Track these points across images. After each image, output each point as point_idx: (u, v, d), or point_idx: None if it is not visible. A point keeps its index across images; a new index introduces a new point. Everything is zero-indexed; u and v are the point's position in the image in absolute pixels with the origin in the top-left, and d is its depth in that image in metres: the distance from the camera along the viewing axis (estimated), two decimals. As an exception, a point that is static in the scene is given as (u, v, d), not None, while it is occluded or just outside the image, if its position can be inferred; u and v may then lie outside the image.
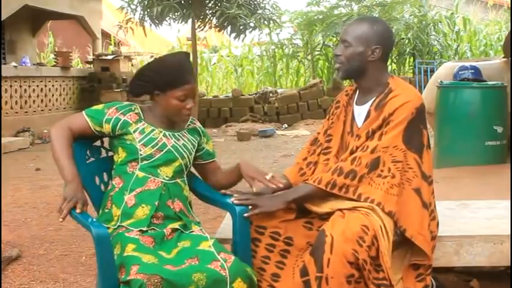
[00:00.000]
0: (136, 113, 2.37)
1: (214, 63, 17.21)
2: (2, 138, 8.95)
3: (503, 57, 6.33)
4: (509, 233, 2.44)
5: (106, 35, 17.70)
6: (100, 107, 2.40)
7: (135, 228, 2.24)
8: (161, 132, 2.35)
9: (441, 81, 5.67)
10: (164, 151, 2.32)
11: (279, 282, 2.31)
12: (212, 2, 11.76)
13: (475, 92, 5.42)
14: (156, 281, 1.96)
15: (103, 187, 2.45)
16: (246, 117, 12.28)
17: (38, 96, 11.41)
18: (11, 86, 10.61)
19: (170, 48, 18.32)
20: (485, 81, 5.54)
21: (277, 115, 12.46)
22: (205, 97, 13.24)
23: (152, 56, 18.01)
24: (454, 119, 5.43)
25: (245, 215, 2.30)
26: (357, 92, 2.45)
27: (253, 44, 16.64)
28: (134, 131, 2.32)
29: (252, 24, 11.61)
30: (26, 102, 11.04)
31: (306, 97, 12.53)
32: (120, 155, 2.35)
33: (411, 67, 14.78)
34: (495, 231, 2.50)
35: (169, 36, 29.00)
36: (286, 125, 12.02)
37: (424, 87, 8.49)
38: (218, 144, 9.28)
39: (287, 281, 2.29)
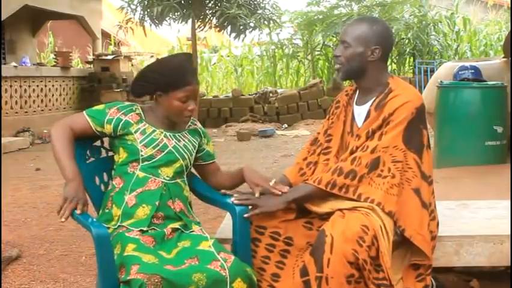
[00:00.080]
0: (137, 114, 2.37)
1: (214, 63, 17.22)
2: (2, 138, 8.95)
3: (503, 57, 6.33)
4: (509, 233, 2.44)
5: (106, 35, 17.70)
6: (101, 107, 2.39)
7: (135, 228, 2.24)
8: (162, 133, 2.35)
9: (441, 81, 5.67)
10: (165, 152, 2.32)
11: (279, 282, 2.31)
12: (212, 2, 11.76)
13: (475, 92, 5.42)
14: (156, 280, 1.96)
15: (103, 187, 2.45)
16: (246, 117, 12.28)
17: (38, 96, 11.41)
18: (11, 86, 10.61)
19: (170, 48, 18.32)
20: (485, 81, 5.54)
21: (277, 115, 12.46)
22: (205, 97, 13.24)
23: (152, 56, 18.04)
24: (454, 119, 5.43)
25: (245, 215, 2.30)
26: (357, 92, 2.45)
27: (253, 44, 16.65)
28: (135, 132, 2.32)
29: (252, 24, 11.61)
30: (26, 102, 11.04)
31: (306, 97, 12.53)
32: (121, 155, 2.35)
33: (411, 67, 14.79)
34: (495, 231, 2.50)
35: (169, 36, 29.01)
36: (286, 125, 12.02)
37: (424, 87, 8.49)
38: (218, 144, 9.28)
39: (287, 281, 2.29)
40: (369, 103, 2.36)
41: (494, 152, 5.36)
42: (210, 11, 11.72)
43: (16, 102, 10.76)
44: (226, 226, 2.57)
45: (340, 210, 2.23)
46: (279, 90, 13.28)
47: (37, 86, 11.40)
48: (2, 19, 10.37)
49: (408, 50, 14.70)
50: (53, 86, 11.91)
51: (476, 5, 18.04)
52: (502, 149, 5.42)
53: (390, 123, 2.26)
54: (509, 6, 14.57)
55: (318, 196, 2.31)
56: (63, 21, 14.84)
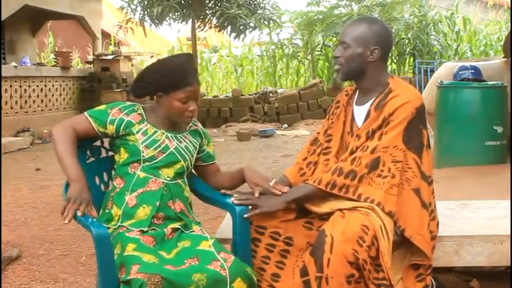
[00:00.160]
0: (139, 114, 2.36)
1: (214, 63, 17.22)
2: (2, 138, 8.95)
3: (503, 57, 6.33)
4: (509, 233, 2.44)
5: (106, 35, 17.70)
6: (102, 107, 2.38)
7: (136, 229, 2.24)
8: (163, 133, 2.35)
9: (441, 81, 5.67)
10: (166, 153, 2.32)
11: (279, 282, 2.31)
12: (212, 2, 11.77)
13: (475, 92, 5.42)
14: (157, 280, 1.96)
15: (103, 187, 2.45)
16: (246, 117, 12.28)
17: (38, 96, 11.41)
18: (11, 86, 10.61)
19: (170, 48, 18.32)
20: (485, 81, 5.54)
21: (277, 115, 12.46)
22: (205, 97, 13.24)
23: (152, 56, 18.05)
24: (454, 119, 5.43)
25: (245, 215, 2.30)
26: (357, 92, 2.45)
27: (253, 44, 16.65)
28: (137, 132, 2.31)
29: (252, 24, 11.62)
30: (26, 102, 11.05)
31: (306, 97, 12.53)
32: (122, 156, 2.34)
33: (411, 67, 14.79)
34: (495, 231, 2.50)
35: (169, 36, 29.02)
36: (286, 125, 12.02)
37: (424, 87, 8.49)
38: (218, 144, 9.28)
39: (287, 281, 2.29)
40: (369, 103, 2.36)
41: (494, 152, 5.36)
42: (210, 11, 11.73)
43: (16, 102, 10.76)
44: (226, 226, 2.57)
45: (340, 210, 2.23)
46: (279, 90, 13.27)
47: (37, 86, 11.40)
48: (2, 19, 10.38)
49: (408, 50, 14.70)
50: (53, 86, 11.91)
51: (476, 5, 18.04)
52: (502, 149, 5.42)
53: (390, 123, 2.26)
54: (509, 6, 14.57)
55: (318, 196, 2.31)
56: (63, 21, 14.84)
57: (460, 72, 5.68)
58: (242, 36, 11.83)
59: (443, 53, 14.59)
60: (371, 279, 2.13)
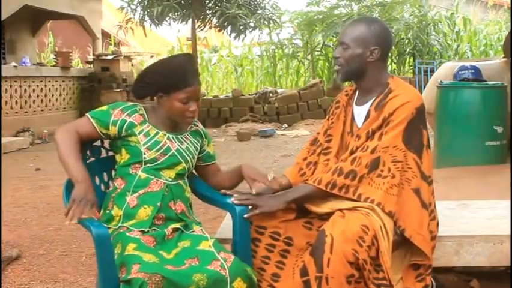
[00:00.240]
0: (140, 114, 2.35)
1: (214, 63, 17.23)
2: (2, 138, 8.95)
3: (503, 57, 6.33)
4: (509, 233, 2.44)
5: (106, 35, 17.70)
6: (104, 108, 2.36)
7: (137, 229, 2.23)
8: (165, 135, 2.34)
9: (441, 81, 5.67)
10: (168, 155, 2.31)
11: (279, 282, 2.31)
12: (212, 2, 11.78)
13: (475, 92, 5.42)
14: (157, 279, 1.96)
15: (103, 187, 2.45)
16: (246, 117, 12.28)
17: (38, 96, 11.41)
18: (11, 86, 10.61)
19: (170, 48, 18.33)
20: (485, 81, 5.54)
21: (277, 115, 12.46)
22: (205, 97, 13.25)
23: (152, 56, 18.06)
24: (454, 119, 5.43)
25: (245, 216, 2.30)
26: (357, 92, 2.45)
27: (253, 44, 16.66)
28: (139, 133, 2.31)
29: (252, 24, 11.63)
30: (26, 102, 11.05)
31: (306, 97, 12.53)
32: (123, 156, 2.34)
33: (411, 67, 14.79)
34: (495, 231, 2.50)
35: (169, 36, 29.00)
36: (286, 125, 12.02)
37: (424, 87, 8.49)
38: (218, 144, 9.28)
39: (287, 281, 2.29)
40: (369, 103, 2.36)
41: (494, 152, 5.36)
42: (210, 11, 11.74)
43: (16, 102, 10.76)
44: (226, 226, 2.57)
45: (340, 210, 2.23)
46: (279, 90, 13.27)
47: (37, 86, 11.40)
48: (2, 19, 10.38)
49: (408, 50, 14.70)
50: (53, 86, 11.91)
51: (476, 5, 18.04)
52: (502, 149, 5.42)
53: (390, 123, 2.26)
54: (509, 6, 14.57)
55: (318, 196, 2.31)
56: (63, 21, 14.85)
57: (460, 72, 5.68)
58: (242, 36, 11.84)
59: (443, 53, 14.59)
60: (371, 279, 2.13)
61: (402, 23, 13.76)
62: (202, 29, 12.37)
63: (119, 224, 2.25)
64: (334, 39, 14.12)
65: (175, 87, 2.28)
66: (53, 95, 11.90)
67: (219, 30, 12.12)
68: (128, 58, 14.17)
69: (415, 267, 2.30)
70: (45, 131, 10.56)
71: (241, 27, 11.39)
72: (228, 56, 17.24)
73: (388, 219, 2.19)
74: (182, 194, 2.35)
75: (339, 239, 2.08)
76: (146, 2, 11.43)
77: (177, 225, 2.29)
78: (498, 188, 4.21)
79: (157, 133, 2.33)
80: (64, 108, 12.32)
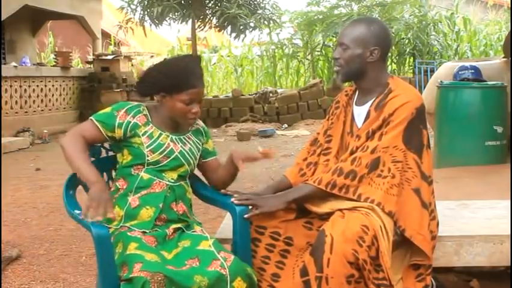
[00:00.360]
0: (144, 115, 2.33)
1: (214, 63, 17.23)
2: (2, 138, 8.95)
3: (503, 57, 6.33)
4: (509, 233, 2.44)
5: (106, 35, 17.70)
6: (108, 110, 2.34)
7: (138, 229, 2.23)
8: (168, 136, 2.33)
9: (441, 81, 5.67)
10: (171, 158, 2.30)
11: (279, 282, 2.31)
12: (212, 2, 11.78)
13: (475, 92, 5.42)
14: (160, 278, 1.96)
15: (103, 187, 2.44)
16: (246, 117, 12.28)
17: (38, 96, 11.41)
18: (11, 86, 10.61)
19: (170, 48, 18.34)
20: (485, 81, 5.54)
21: (277, 115, 12.45)
22: (205, 97, 13.24)
23: (152, 56, 18.06)
24: (454, 119, 5.43)
25: (245, 216, 2.30)
26: (357, 92, 2.45)
27: (253, 44, 16.66)
28: (142, 135, 2.29)
29: (252, 24, 11.64)
30: (26, 102, 11.05)
31: (306, 97, 12.52)
32: (125, 157, 2.33)
33: (411, 67, 14.79)
34: (495, 231, 2.50)
35: (169, 36, 29.02)
36: (286, 125, 12.02)
37: (424, 87, 8.49)
38: (218, 144, 9.28)
39: (287, 281, 2.29)
40: (369, 103, 2.36)
41: (494, 152, 5.36)
42: (210, 11, 11.74)
43: (16, 102, 10.76)
44: (226, 226, 2.57)
45: (340, 210, 2.23)
46: (279, 90, 13.27)
47: (37, 86, 11.40)
48: (2, 19, 10.38)
49: (408, 50, 14.70)
50: (53, 86, 11.92)
51: (476, 5, 18.04)
52: (502, 149, 5.42)
53: (390, 123, 2.26)
54: (509, 6, 14.57)
55: (318, 196, 2.31)
56: (63, 21, 14.85)
57: (460, 72, 5.68)
58: (242, 36, 11.85)
59: (443, 53, 14.59)
60: (371, 279, 2.13)
61: (402, 23, 13.76)
62: (202, 29, 12.38)
63: (121, 224, 2.25)
64: (334, 39, 14.12)
65: (178, 88, 2.27)
66: (53, 95, 11.90)
67: (219, 30, 12.13)
68: (128, 58, 14.17)
69: (415, 267, 2.30)
70: (45, 131, 10.56)
71: (241, 27, 11.40)
72: (228, 56, 17.24)
73: (388, 219, 2.19)
74: (184, 195, 2.35)
75: (339, 239, 2.08)
76: (146, 2, 11.44)
77: (178, 226, 2.29)
78: (498, 188, 4.21)
79: (160, 134, 2.32)
80: (64, 108, 12.32)
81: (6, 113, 10.30)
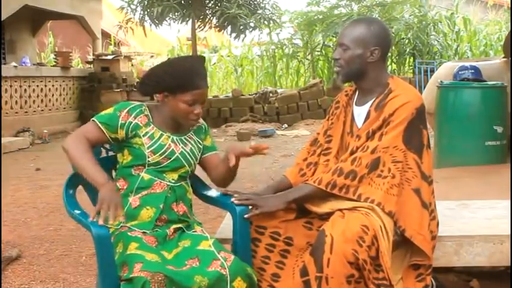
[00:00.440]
0: (145, 115, 2.33)
1: (214, 63, 17.23)
2: (2, 138, 8.95)
3: (503, 57, 6.33)
4: (509, 233, 2.44)
5: (106, 35, 17.70)
6: (110, 111, 2.32)
7: (139, 230, 2.23)
8: (169, 137, 2.33)
9: (441, 81, 5.66)
10: (172, 159, 2.30)
11: (279, 282, 2.31)
12: (212, 2, 11.78)
13: (475, 92, 5.42)
14: (160, 278, 1.96)
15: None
16: (246, 117, 12.28)
17: (38, 96, 11.41)
18: (11, 86, 10.61)
19: (170, 48, 18.34)
20: (485, 81, 5.54)
21: (277, 115, 12.45)
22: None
23: (152, 56, 18.06)
24: (454, 119, 5.43)
25: (245, 216, 2.30)
26: (357, 92, 2.45)
27: (253, 44, 16.66)
28: (143, 135, 2.29)
29: (252, 24, 11.64)
30: (26, 102, 11.05)
31: (306, 97, 12.53)
32: (125, 157, 2.33)
33: (411, 67, 14.79)
34: (495, 231, 2.50)
35: (169, 36, 29.03)
36: (286, 125, 12.02)
37: (424, 87, 8.49)
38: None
39: (287, 281, 2.29)
40: (369, 104, 2.36)
41: (494, 152, 5.36)
42: (210, 11, 11.74)
43: (16, 102, 10.76)
44: (226, 226, 2.57)
45: (340, 210, 2.23)
46: (279, 90, 13.27)
47: (37, 86, 11.40)
48: (2, 19, 10.38)
49: (408, 50, 14.70)
50: (53, 86, 11.92)
51: (476, 5, 18.04)
52: (502, 149, 5.42)
53: (390, 123, 2.26)
54: (509, 6, 14.57)
55: (318, 196, 2.31)
56: (63, 21, 14.85)
57: (460, 72, 5.67)
58: (242, 36, 11.84)
59: (443, 53, 14.59)
60: (371, 279, 2.13)
61: (402, 23, 13.77)
62: (202, 29, 12.38)
63: (121, 224, 2.25)
64: (334, 39, 14.12)
65: (183, 89, 2.26)
66: (53, 95, 11.90)
67: (219, 30, 12.13)
68: (128, 58, 14.17)
69: (415, 267, 2.30)
70: (45, 131, 10.56)
71: (241, 27, 11.40)
72: (228, 56, 17.25)
73: (388, 219, 2.19)
74: (184, 196, 2.35)
75: (339, 239, 2.08)
76: (146, 2, 11.44)
77: (179, 226, 2.29)
78: (498, 188, 4.21)
79: (161, 135, 2.31)
80: (64, 108, 12.32)
81: (6, 113, 10.30)
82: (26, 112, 11.02)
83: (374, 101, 2.34)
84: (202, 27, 12.21)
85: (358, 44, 2.31)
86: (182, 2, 11.28)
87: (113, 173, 2.44)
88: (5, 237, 4.12)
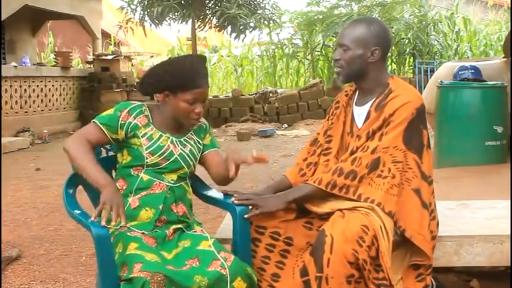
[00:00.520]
0: (145, 115, 2.32)
1: (214, 63, 17.22)
2: (2, 138, 8.95)
3: (503, 57, 6.33)
4: (509, 233, 2.44)
5: (106, 35, 17.70)
6: (111, 111, 2.32)
7: (138, 230, 2.23)
8: (168, 138, 2.32)
9: (441, 81, 5.66)
10: (170, 160, 2.30)
11: (279, 282, 2.31)
12: (212, 2, 11.78)
13: (475, 92, 5.42)
14: (159, 279, 1.96)
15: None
16: (246, 117, 12.28)
17: (38, 96, 11.41)
18: (11, 86, 10.61)
19: (170, 48, 18.33)
20: (485, 81, 5.54)
21: (277, 115, 12.45)
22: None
23: (152, 56, 18.05)
24: (454, 119, 5.43)
25: (245, 216, 2.30)
26: (357, 92, 2.45)
27: (253, 44, 16.66)
28: (142, 136, 2.29)
29: (252, 24, 11.64)
30: (26, 102, 11.05)
31: (306, 97, 12.53)
32: (124, 157, 2.33)
33: (411, 67, 14.79)
34: (495, 231, 2.50)
35: (169, 36, 29.03)
36: (286, 125, 12.02)
37: (424, 87, 8.49)
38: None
39: (287, 281, 2.29)
40: (369, 104, 2.36)
41: (494, 152, 5.36)
42: (210, 11, 11.74)
43: (16, 102, 10.76)
44: (226, 226, 2.57)
45: (340, 210, 2.23)
46: (279, 90, 13.27)
47: (37, 86, 11.40)
48: (2, 19, 10.38)
49: (408, 50, 14.70)
50: (53, 86, 11.91)
51: (476, 5, 18.04)
52: (502, 149, 5.41)
53: (390, 123, 2.26)
54: (509, 6, 14.57)
55: (318, 196, 2.31)
56: (63, 21, 14.85)
57: (460, 72, 5.67)
58: (242, 36, 11.85)
59: (443, 53, 14.59)
60: (371, 279, 2.13)
61: (402, 23, 13.77)
62: (202, 29, 12.38)
63: (121, 224, 2.24)
64: (334, 39, 14.12)
65: (183, 87, 2.26)
66: (53, 95, 11.90)
67: (219, 30, 12.13)
68: (128, 58, 14.17)
69: (415, 267, 2.30)
70: (45, 131, 10.56)
71: (241, 27, 11.40)
72: (228, 56, 17.24)
73: (388, 219, 2.20)
74: (184, 196, 2.35)
75: (339, 239, 2.08)
76: (146, 2, 11.44)
77: (179, 226, 2.29)
78: (498, 187, 4.21)
79: (160, 136, 2.31)
80: (64, 108, 12.32)
81: (6, 113, 10.30)
82: (26, 112, 11.02)
83: (374, 101, 2.34)
84: (202, 27, 12.21)
85: (359, 44, 2.31)
86: (182, 2, 11.28)
87: (113, 173, 2.44)
88: (5, 237, 4.12)
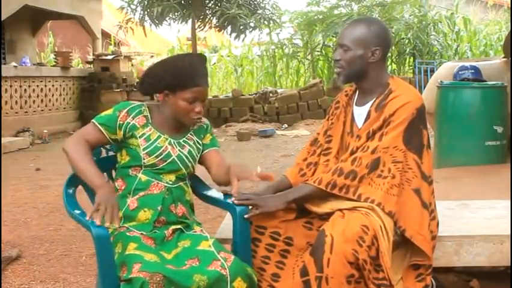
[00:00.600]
0: (144, 116, 2.32)
1: (214, 63, 17.22)
2: (2, 138, 8.96)
3: (503, 57, 6.33)
4: (509, 233, 2.44)
5: (106, 35, 17.70)
6: (110, 112, 2.32)
7: (137, 231, 2.23)
8: (167, 139, 2.32)
9: (441, 81, 5.66)
10: (168, 161, 2.29)
11: (279, 282, 2.31)
12: (212, 2, 11.78)
13: (475, 92, 5.42)
14: (158, 279, 1.96)
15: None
16: (246, 117, 12.28)
17: (38, 96, 11.41)
18: (11, 86, 10.61)
19: (170, 48, 18.33)
20: (485, 81, 5.54)
21: (277, 115, 12.45)
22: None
23: (152, 56, 18.05)
24: (454, 119, 5.43)
25: (245, 216, 2.30)
26: (357, 92, 2.45)
27: (253, 44, 16.65)
28: (140, 136, 2.28)
29: (252, 24, 11.64)
30: (26, 102, 11.05)
31: (306, 97, 12.53)
32: (123, 157, 2.33)
33: (411, 67, 14.79)
34: (495, 231, 2.50)
35: (169, 36, 29.02)
36: (286, 125, 12.02)
37: (424, 87, 8.49)
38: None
39: (287, 281, 2.29)
40: (369, 104, 2.36)
41: (494, 152, 5.36)
42: (210, 11, 11.74)
43: (16, 102, 10.76)
44: (226, 226, 2.57)
45: (340, 210, 2.23)
46: (279, 90, 13.27)
47: (37, 86, 11.40)
48: (2, 19, 10.38)
49: (408, 50, 14.70)
50: (53, 86, 11.91)
51: (476, 5, 18.04)
52: (502, 149, 5.41)
53: (390, 123, 2.26)
54: (509, 6, 14.57)
55: (318, 196, 2.31)
56: (63, 21, 14.84)
57: (460, 72, 5.67)
58: (242, 36, 11.85)
59: (443, 53, 14.59)
60: (371, 279, 2.13)
61: (402, 23, 13.77)
62: (202, 29, 12.38)
63: (114, 227, 2.24)
64: (334, 39, 14.12)
65: (182, 86, 2.25)
66: (53, 95, 11.90)
67: (219, 30, 12.13)
68: (128, 58, 14.17)
69: (415, 267, 2.30)
70: (45, 131, 10.56)
71: (241, 27, 11.40)
72: (228, 56, 17.24)
73: (388, 219, 2.19)
74: (183, 197, 2.34)
75: (339, 239, 2.08)
76: (146, 2, 11.44)
77: (178, 227, 2.29)
78: (498, 188, 4.21)
79: (158, 137, 2.31)
80: (64, 108, 12.32)
81: (6, 113, 10.30)
82: (26, 112, 11.02)
83: (375, 101, 2.34)
84: (202, 27, 12.21)
85: (359, 45, 2.31)
86: (182, 2, 11.28)
87: (113, 173, 2.44)
88: (5, 237, 4.12)
